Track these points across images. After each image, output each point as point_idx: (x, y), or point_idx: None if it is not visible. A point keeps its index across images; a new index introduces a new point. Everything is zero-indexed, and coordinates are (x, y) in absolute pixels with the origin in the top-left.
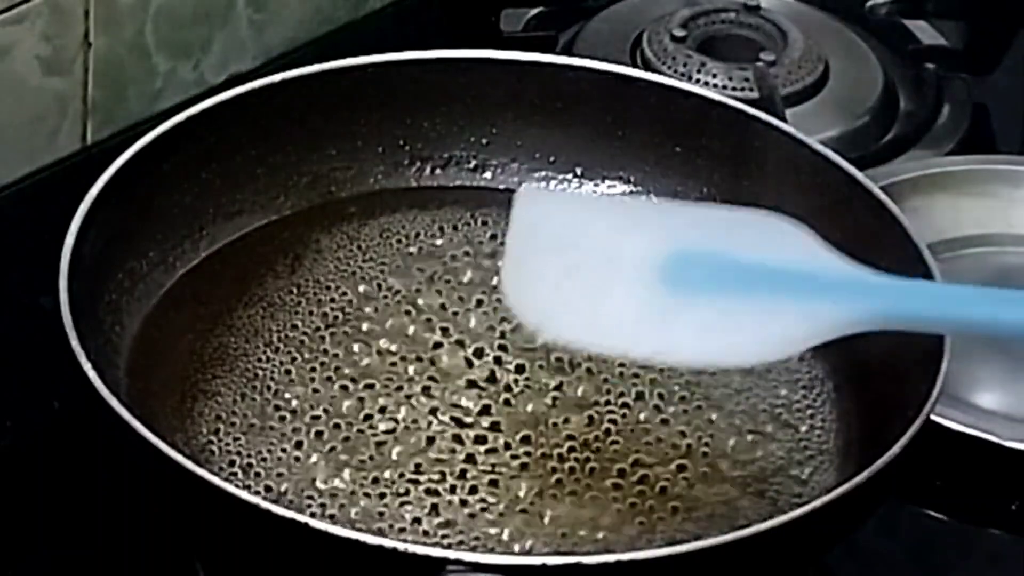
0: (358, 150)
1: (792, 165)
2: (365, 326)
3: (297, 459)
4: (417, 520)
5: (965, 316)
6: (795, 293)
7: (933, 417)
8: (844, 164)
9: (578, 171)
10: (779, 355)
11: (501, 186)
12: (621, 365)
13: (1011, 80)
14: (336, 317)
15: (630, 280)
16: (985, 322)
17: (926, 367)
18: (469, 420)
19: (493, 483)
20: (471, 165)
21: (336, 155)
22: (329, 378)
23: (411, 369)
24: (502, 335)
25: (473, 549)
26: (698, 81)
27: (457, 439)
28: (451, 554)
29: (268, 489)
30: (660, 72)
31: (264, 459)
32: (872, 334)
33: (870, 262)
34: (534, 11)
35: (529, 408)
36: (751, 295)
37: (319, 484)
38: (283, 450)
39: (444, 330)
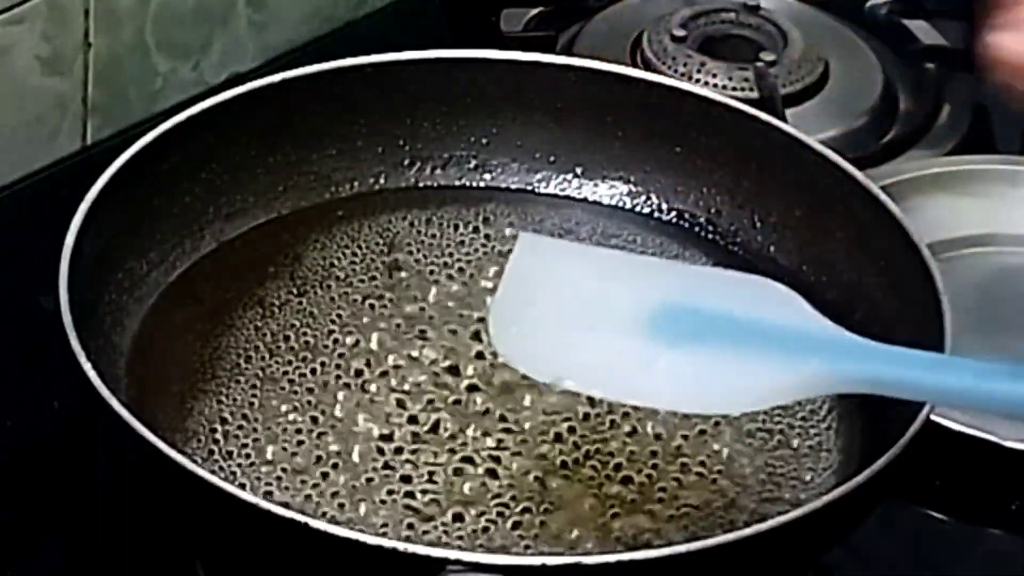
0: (358, 150)
1: (792, 165)
2: (365, 327)
3: (297, 459)
4: (417, 520)
5: (948, 387)
6: (779, 350)
7: (933, 417)
8: (844, 164)
9: (578, 171)
10: (760, 406)
11: (501, 186)
12: None
13: None
14: (336, 317)
15: (618, 327)
16: (968, 394)
17: None
18: (470, 420)
19: (493, 483)
20: (471, 165)
21: (336, 155)
22: (329, 378)
23: (411, 369)
24: None
25: (473, 549)
26: (698, 81)
27: (458, 439)
28: (451, 554)
29: (268, 489)
30: (660, 72)
31: (264, 459)
32: (871, 333)
33: (870, 262)
34: (534, 11)
35: (529, 409)
36: (736, 348)
37: (319, 484)
38: (283, 450)
39: (444, 330)
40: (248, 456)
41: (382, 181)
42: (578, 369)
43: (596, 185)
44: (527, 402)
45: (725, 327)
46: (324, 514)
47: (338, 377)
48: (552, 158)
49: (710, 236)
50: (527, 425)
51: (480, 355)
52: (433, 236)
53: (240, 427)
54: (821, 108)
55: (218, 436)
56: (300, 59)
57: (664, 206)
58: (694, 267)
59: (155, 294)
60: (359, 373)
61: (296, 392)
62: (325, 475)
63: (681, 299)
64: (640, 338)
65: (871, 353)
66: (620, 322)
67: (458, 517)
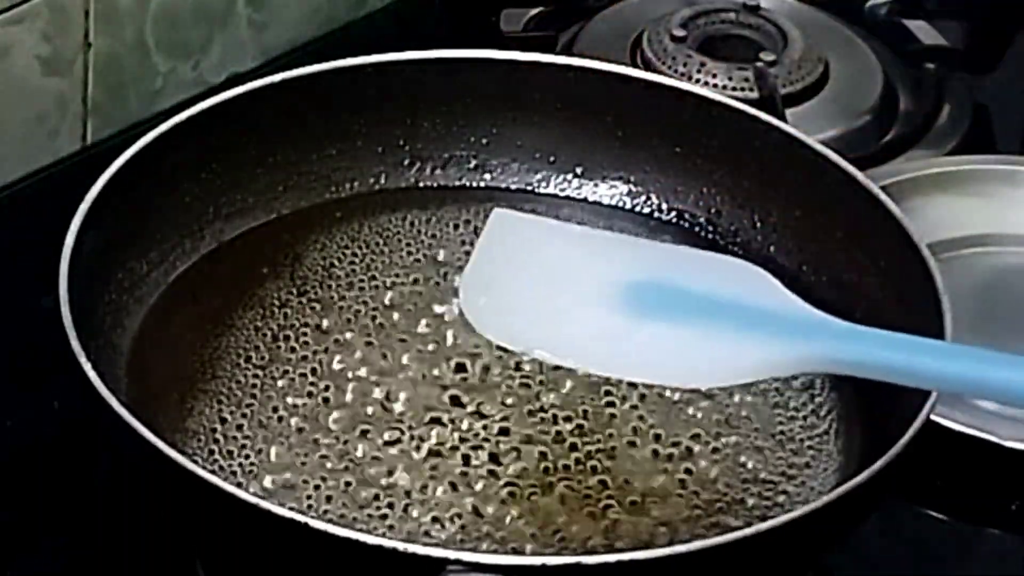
0: (358, 150)
1: (792, 165)
2: (365, 326)
3: (297, 459)
4: (417, 520)
5: (914, 368)
6: (750, 327)
7: (933, 417)
8: (844, 164)
9: (578, 171)
10: (729, 382)
11: (501, 186)
12: None
13: (1011, 80)
14: (336, 317)
15: (592, 299)
16: (934, 375)
17: None
18: (470, 420)
19: (493, 484)
20: (471, 165)
21: (336, 155)
22: (329, 378)
23: (411, 369)
24: None
25: (473, 549)
26: (698, 81)
27: (458, 440)
28: (451, 554)
29: (268, 489)
30: (660, 72)
31: (264, 459)
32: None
33: (870, 262)
34: (534, 11)
35: (529, 409)
36: (709, 325)
37: (320, 484)
38: (283, 450)
39: (445, 331)
40: (248, 456)
41: (382, 181)
42: (550, 339)
43: (596, 185)
44: (528, 401)
45: (699, 303)
46: (324, 514)
47: (339, 377)
48: (552, 158)
49: (710, 236)
50: (528, 425)
51: (481, 355)
52: (433, 236)
53: (240, 427)
54: (821, 108)
55: (218, 436)
56: (300, 59)
57: (664, 206)
58: (670, 246)
59: (155, 294)
60: (360, 373)
61: (296, 392)
62: (325, 475)
63: (656, 275)
64: (613, 311)
65: (846, 333)
66: (593, 295)
67: (458, 517)
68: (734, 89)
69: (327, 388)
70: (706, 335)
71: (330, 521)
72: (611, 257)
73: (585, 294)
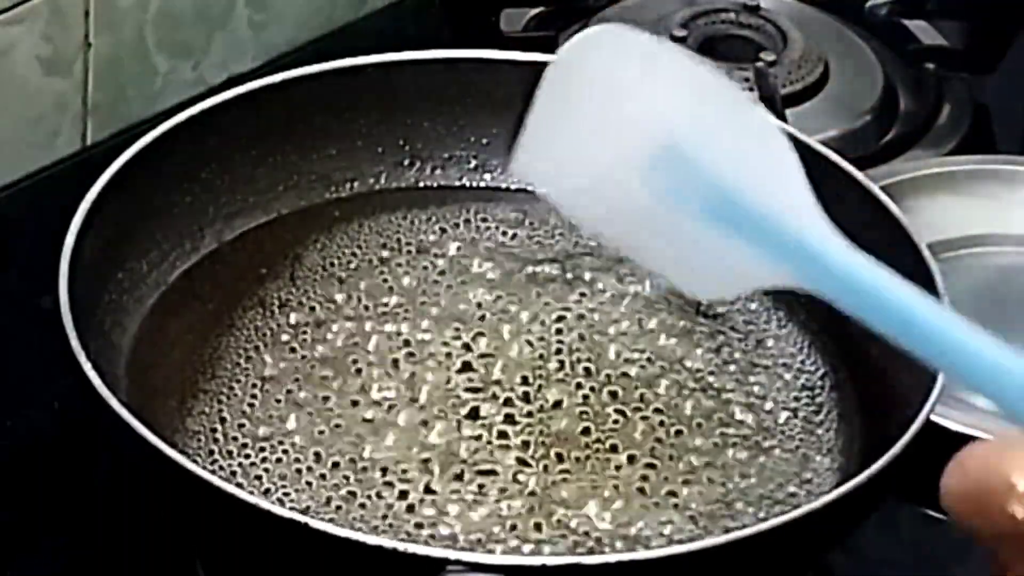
0: (358, 150)
1: None
2: (365, 326)
3: (298, 459)
4: (417, 520)
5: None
6: (749, 234)
7: (933, 417)
8: (844, 164)
9: None
10: (718, 295)
11: (501, 186)
12: (621, 364)
13: (1011, 80)
14: (336, 317)
15: (627, 163)
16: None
17: (926, 367)
18: (471, 420)
19: (494, 484)
20: (471, 165)
21: (336, 155)
22: (329, 378)
23: (412, 369)
24: (504, 332)
25: (473, 549)
26: None
27: (460, 440)
28: (451, 554)
29: (268, 490)
30: None
31: (264, 459)
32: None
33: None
34: (534, 11)
35: (531, 408)
36: (709, 221)
37: (320, 485)
38: (283, 450)
39: (445, 331)
40: (248, 456)
41: (382, 181)
42: (582, 203)
43: None
44: (528, 400)
45: (709, 192)
46: (324, 514)
47: (338, 377)
48: None
49: None
50: (528, 423)
51: (481, 355)
52: (433, 236)
53: (240, 427)
54: (821, 108)
55: (218, 436)
56: (300, 59)
57: None
58: (720, 90)
59: (155, 294)
60: (360, 373)
61: (296, 392)
62: (325, 475)
63: (681, 140)
64: (641, 182)
65: (853, 270)
66: (630, 156)
67: (458, 517)
68: None
69: (327, 388)
70: (705, 236)
71: (330, 521)
72: (658, 103)
73: (624, 154)
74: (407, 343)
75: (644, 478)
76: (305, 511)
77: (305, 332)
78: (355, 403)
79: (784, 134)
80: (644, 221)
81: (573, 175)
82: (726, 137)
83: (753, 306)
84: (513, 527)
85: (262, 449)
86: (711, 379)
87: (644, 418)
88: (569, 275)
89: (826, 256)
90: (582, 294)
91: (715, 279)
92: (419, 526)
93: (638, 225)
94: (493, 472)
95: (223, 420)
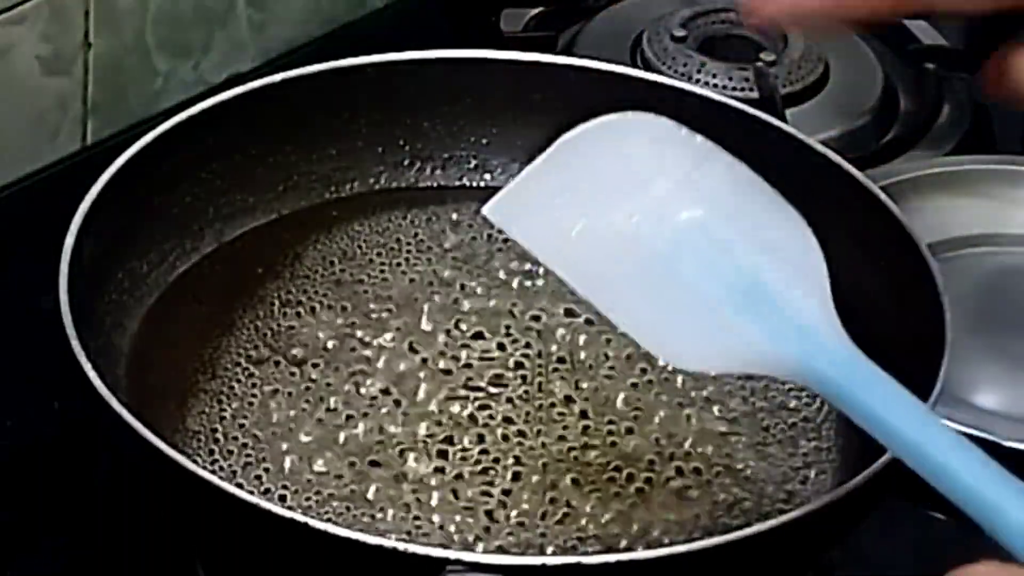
0: (358, 150)
1: (792, 165)
2: (365, 326)
3: (298, 458)
4: (417, 519)
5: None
6: (761, 317)
7: None
8: (844, 164)
9: None
10: (710, 370)
11: (501, 186)
12: (621, 364)
13: None
14: (336, 317)
15: (633, 223)
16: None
17: (926, 367)
18: (471, 420)
19: (493, 483)
20: (471, 165)
21: (336, 155)
22: (329, 378)
23: (412, 369)
24: (504, 335)
25: (473, 549)
26: (698, 81)
27: (459, 440)
28: (451, 554)
29: (268, 489)
30: (660, 72)
31: (264, 459)
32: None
33: (870, 262)
34: (534, 11)
35: (530, 409)
36: (725, 299)
37: (320, 484)
38: (284, 450)
39: (445, 330)
40: (248, 456)
41: (382, 181)
42: (568, 256)
43: None
44: (529, 400)
45: (742, 279)
46: (324, 514)
47: (338, 377)
48: None
49: None
50: (528, 423)
51: (482, 355)
52: (433, 236)
53: (240, 427)
54: (821, 108)
55: (218, 436)
56: (300, 59)
57: None
58: (747, 175)
59: (155, 294)
60: (359, 373)
61: (296, 392)
62: (325, 475)
63: (710, 214)
64: (647, 245)
65: (856, 372)
66: (637, 217)
67: (458, 517)
68: (734, 89)
69: (327, 388)
70: (715, 312)
71: (330, 521)
72: (693, 182)
73: (630, 213)
74: (407, 343)
75: (644, 478)
76: (305, 511)
77: (305, 332)
78: (355, 402)
79: (817, 246)
80: (631, 285)
81: (562, 232)
82: (759, 227)
83: None
84: (513, 527)
85: (262, 449)
86: (711, 379)
87: (644, 419)
88: None
89: (835, 364)
90: None
91: (700, 352)
92: (419, 526)
93: (623, 290)
94: (493, 472)
95: (223, 420)
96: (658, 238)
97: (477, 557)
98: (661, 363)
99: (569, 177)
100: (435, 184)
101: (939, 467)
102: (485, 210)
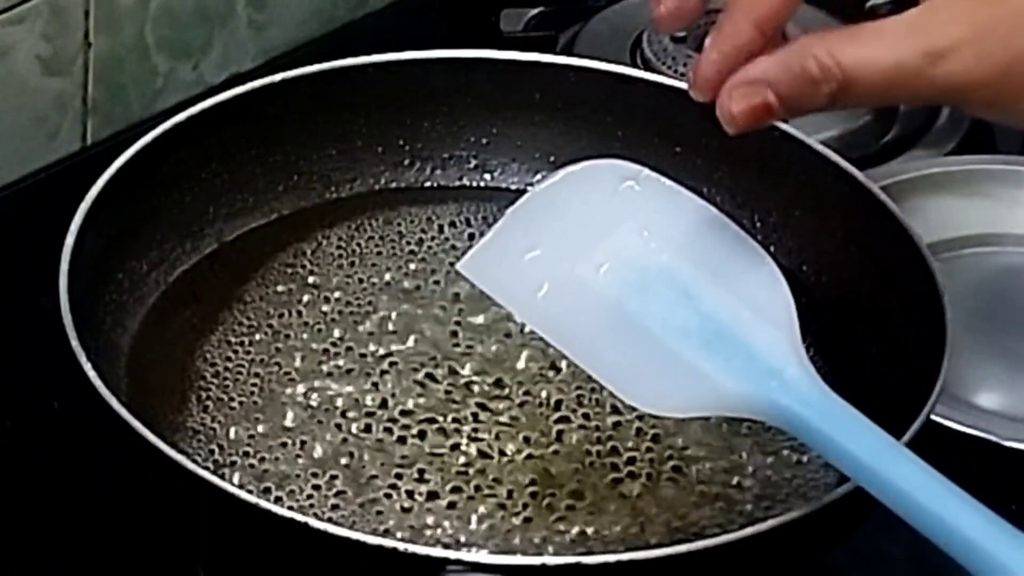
0: (358, 150)
1: (792, 165)
2: (365, 326)
3: (298, 459)
4: (418, 520)
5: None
6: (727, 362)
7: (933, 417)
8: (844, 164)
9: None
10: (676, 414)
11: (501, 186)
12: None
13: None
14: (336, 317)
15: (598, 275)
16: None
17: (926, 367)
18: (470, 420)
19: (494, 483)
20: (471, 165)
21: (336, 155)
22: (329, 378)
23: (412, 369)
24: (504, 334)
25: (473, 549)
26: None
27: (458, 439)
28: (451, 554)
29: (268, 489)
30: (660, 72)
31: (264, 459)
32: (871, 333)
33: (870, 262)
34: (534, 11)
35: (531, 407)
36: (689, 345)
37: (320, 484)
38: (284, 450)
39: (445, 330)
40: (248, 456)
41: (382, 181)
42: (536, 309)
43: None
44: (528, 400)
45: (707, 324)
46: (324, 514)
47: (338, 376)
48: (552, 158)
49: None
50: (529, 424)
51: (481, 355)
52: (433, 236)
53: (240, 427)
54: None
55: (218, 436)
56: (300, 59)
57: None
58: (712, 215)
59: (155, 294)
60: (359, 372)
61: (296, 391)
62: (325, 474)
63: (673, 263)
64: (613, 294)
65: (826, 410)
66: (603, 266)
67: (458, 517)
68: None
69: (327, 388)
70: (682, 357)
71: (330, 521)
72: (643, 225)
73: (597, 264)
74: (408, 343)
75: (644, 479)
76: (305, 511)
77: (305, 332)
78: (355, 402)
79: (783, 282)
80: (602, 335)
81: (532, 287)
82: (723, 268)
83: None
84: (513, 527)
85: (262, 449)
86: None
87: (644, 419)
88: None
89: (805, 403)
90: None
91: (671, 397)
92: (419, 526)
93: (593, 339)
94: (494, 471)
95: (223, 420)
96: (623, 288)
97: (477, 557)
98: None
99: (537, 230)
100: (435, 184)
101: (912, 503)
102: (459, 266)
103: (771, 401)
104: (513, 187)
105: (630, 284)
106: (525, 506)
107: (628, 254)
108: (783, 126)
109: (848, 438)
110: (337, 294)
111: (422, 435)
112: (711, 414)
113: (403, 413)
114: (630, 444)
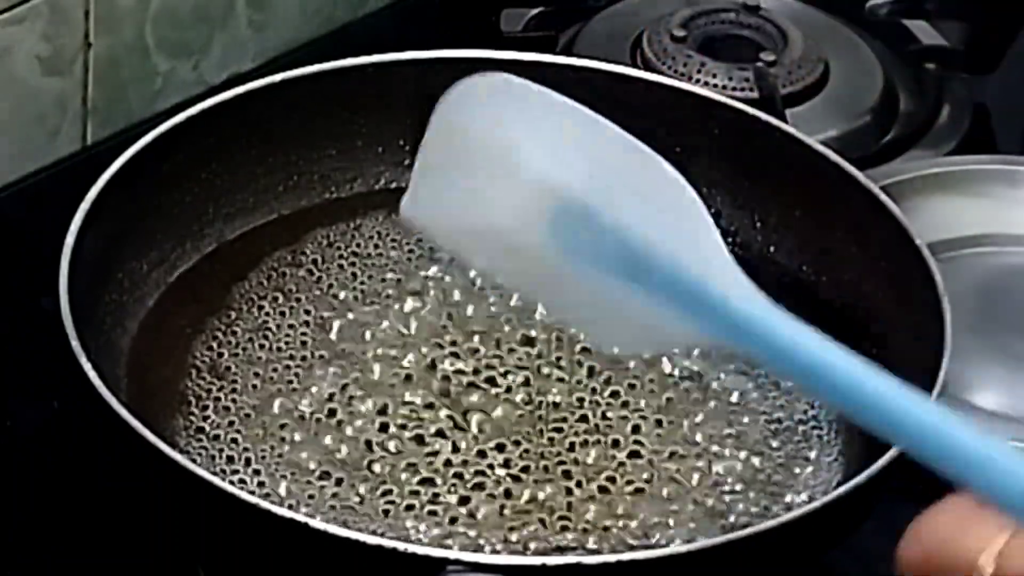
0: (358, 150)
1: (792, 165)
2: (365, 326)
3: (298, 459)
4: (417, 520)
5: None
6: (660, 291)
7: None
8: (844, 164)
9: None
10: (632, 350)
11: None
12: (621, 363)
13: (1011, 80)
14: (336, 317)
15: (526, 213)
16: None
17: (926, 367)
18: (469, 420)
19: (494, 483)
20: None
21: (336, 155)
22: (329, 378)
23: (413, 368)
24: (504, 334)
25: (473, 549)
26: (698, 81)
27: (457, 439)
28: (451, 554)
29: (268, 490)
30: (660, 72)
31: (264, 459)
32: (871, 333)
33: (870, 262)
34: (534, 11)
35: (532, 408)
36: (621, 281)
37: (320, 484)
38: (284, 450)
39: (445, 330)
40: (249, 456)
41: (382, 181)
42: (483, 252)
43: None
44: (530, 399)
45: (624, 252)
46: (324, 514)
47: (338, 376)
48: None
49: None
50: (528, 424)
51: (481, 355)
52: None
53: (240, 427)
54: (821, 108)
55: (218, 436)
56: (300, 59)
57: None
58: (616, 135)
59: (155, 294)
60: (359, 372)
61: (296, 392)
62: (325, 475)
63: (583, 198)
64: (535, 231)
65: (765, 316)
66: (528, 207)
67: (458, 517)
68: (734, 89)
69: (327, 388)
70: (615, 293)
71: (330, 521)
72: (554, 158)
73: (520, 208)
74: (408, 342)
75: (645, 478)
76: (305, 511)
77: (305, 332)
78: (355, 402)
79: (689, 186)
80: (547, 274)
81: (465, 226)
82: (632, 192)
83: None
84: (513, 527)
85: (262, 449)
86: (711, 380)
87: (644, 419)
88: None
89: (749, 316)
90: None
91: (628, 334)
92: (419, 526)
93: (541, 278)
94: (493, 472)
95: (223, 420)
96: (543, 227)
97: (477, 557)
98: (661, 360)
99: (453, 156)
100: None
101: (869, 404)
102: (402, 210)
103: (715, 319)
104: None
105: (548, 221)
106: (526, 506)
107: (540, 189)
108: (783, 126)
109: (791, 341)
110: (337, 294)
111: (424, 434)
112: (668, 349)
113: (404, 412)
114: (630, 444)
